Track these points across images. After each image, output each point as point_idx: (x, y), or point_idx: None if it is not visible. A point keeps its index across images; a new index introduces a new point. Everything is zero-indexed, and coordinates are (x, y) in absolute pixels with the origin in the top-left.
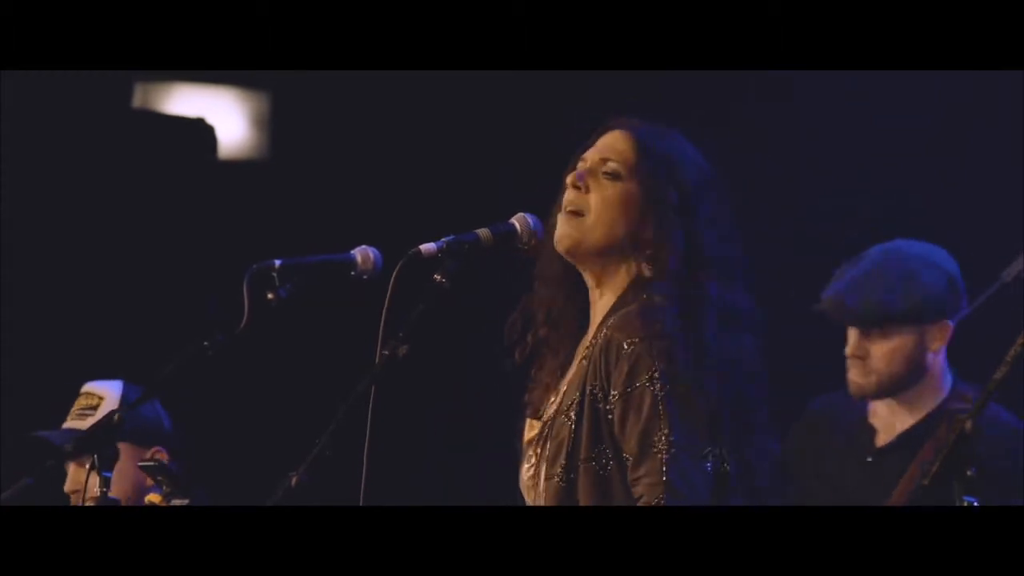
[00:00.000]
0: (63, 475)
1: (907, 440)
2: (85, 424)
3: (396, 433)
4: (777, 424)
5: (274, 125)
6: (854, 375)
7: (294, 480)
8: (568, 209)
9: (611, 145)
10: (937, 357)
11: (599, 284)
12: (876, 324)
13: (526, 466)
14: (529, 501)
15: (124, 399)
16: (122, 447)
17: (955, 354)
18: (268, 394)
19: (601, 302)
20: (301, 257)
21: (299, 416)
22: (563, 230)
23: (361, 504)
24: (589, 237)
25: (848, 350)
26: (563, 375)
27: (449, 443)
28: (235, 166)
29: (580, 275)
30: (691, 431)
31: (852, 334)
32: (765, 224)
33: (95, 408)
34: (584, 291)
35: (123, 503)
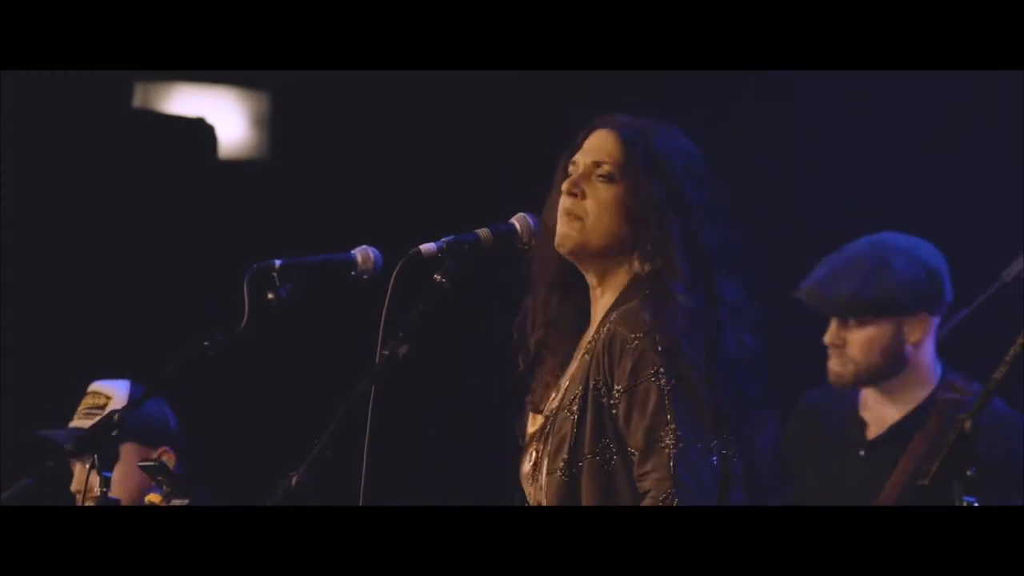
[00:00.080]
0: (65, 475)
1: (897, 432)
2: (91, 423)
3: (396, 433)
4: (777, 422)
5: (274, 125)
6: (832, 364)
7: (294, 480)
8: (567, 216)
9: (600, 146)
10: (919, 350)
11: (600, 283)
12: (851, 313)
13: (527, 460)
14: (529, 495)
15: (131, 399)
16: (129, 447)
17: (955, 354)
18: (268, 394)
19: (602, 300)
20: (301, 257)
21: (299, 416)
22: (564, 232)
23: (361, 504)
24: (591, 239)
25: (827, 338)
26: (564, 371)
27: (449, 443)
28: (235, 166)
29: (576, 275)
30: (697, 425)
31: (832, 323)
32: (765, 224)
33: (102, 408)
34: (580, 290)
35: (128, 503)
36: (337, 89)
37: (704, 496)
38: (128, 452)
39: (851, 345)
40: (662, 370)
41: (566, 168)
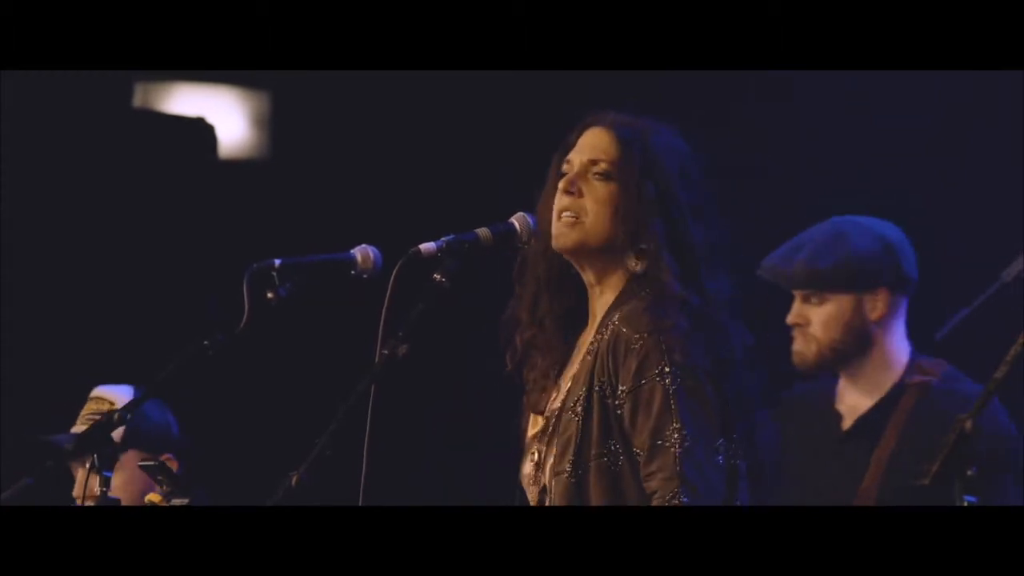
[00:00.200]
0: (66, 479)
1: (866, 424)
2: None
3: (396, 433)
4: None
5: (274, 125)
6: (796, 344)
7: (294, 480)
8: (565, 215)
9: (595, 144)
10: (884, 330)
11: (599, 282)
12: (808, 284)
13: (528, 461)
14: (530, 496)
15: None
16: (131, 455)
17: (955, 354)
18: (268, 394)
19: (601, 299)
20: (301, 256)
21: (299, 416)
22: (563, 231)
23: (361, 504)
24: (590, 237)
25: (789, 318)
26: (560, 372)
27: (449, 443)
28: (235, 166)
29: (567, 274)
30: (703, 425)
31: (794, 302)
32: (765, 224)
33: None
34: (570, 290)
35: None
36: (337, 89)
37: (711, 496)
38: (130, 459)
39: (813, 324)
40: (667, 370)
41: (560, 166)
